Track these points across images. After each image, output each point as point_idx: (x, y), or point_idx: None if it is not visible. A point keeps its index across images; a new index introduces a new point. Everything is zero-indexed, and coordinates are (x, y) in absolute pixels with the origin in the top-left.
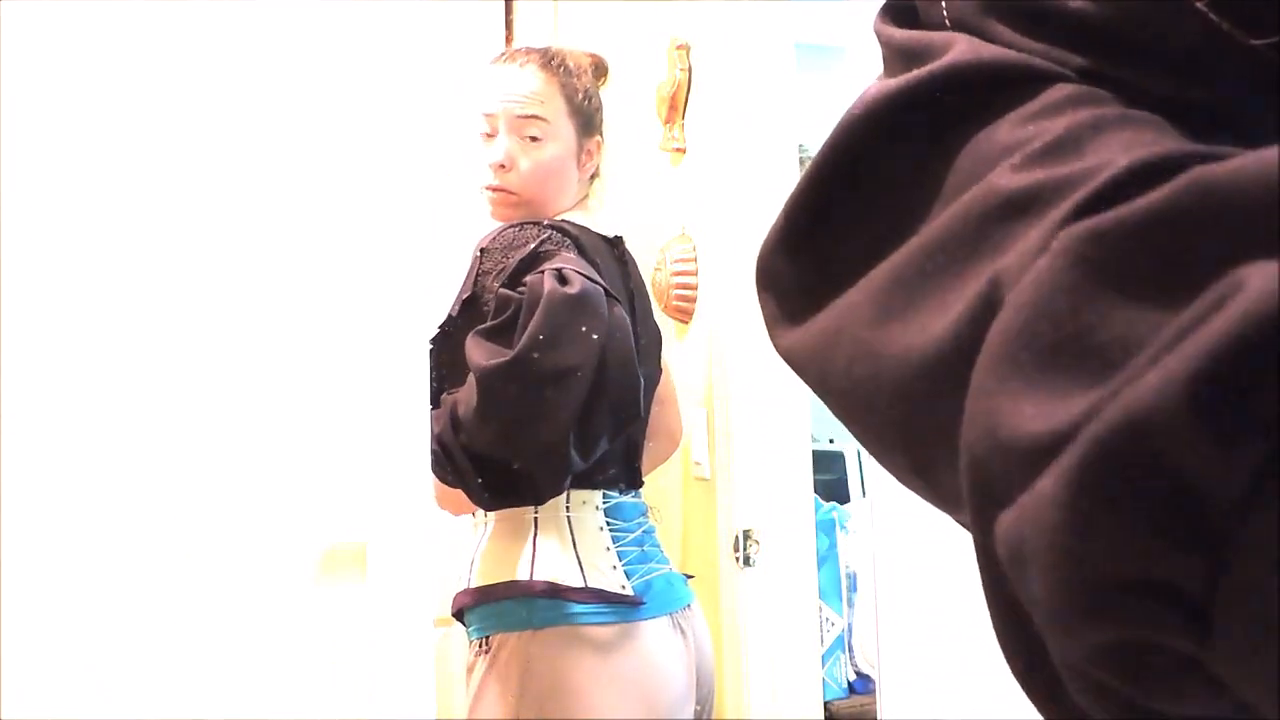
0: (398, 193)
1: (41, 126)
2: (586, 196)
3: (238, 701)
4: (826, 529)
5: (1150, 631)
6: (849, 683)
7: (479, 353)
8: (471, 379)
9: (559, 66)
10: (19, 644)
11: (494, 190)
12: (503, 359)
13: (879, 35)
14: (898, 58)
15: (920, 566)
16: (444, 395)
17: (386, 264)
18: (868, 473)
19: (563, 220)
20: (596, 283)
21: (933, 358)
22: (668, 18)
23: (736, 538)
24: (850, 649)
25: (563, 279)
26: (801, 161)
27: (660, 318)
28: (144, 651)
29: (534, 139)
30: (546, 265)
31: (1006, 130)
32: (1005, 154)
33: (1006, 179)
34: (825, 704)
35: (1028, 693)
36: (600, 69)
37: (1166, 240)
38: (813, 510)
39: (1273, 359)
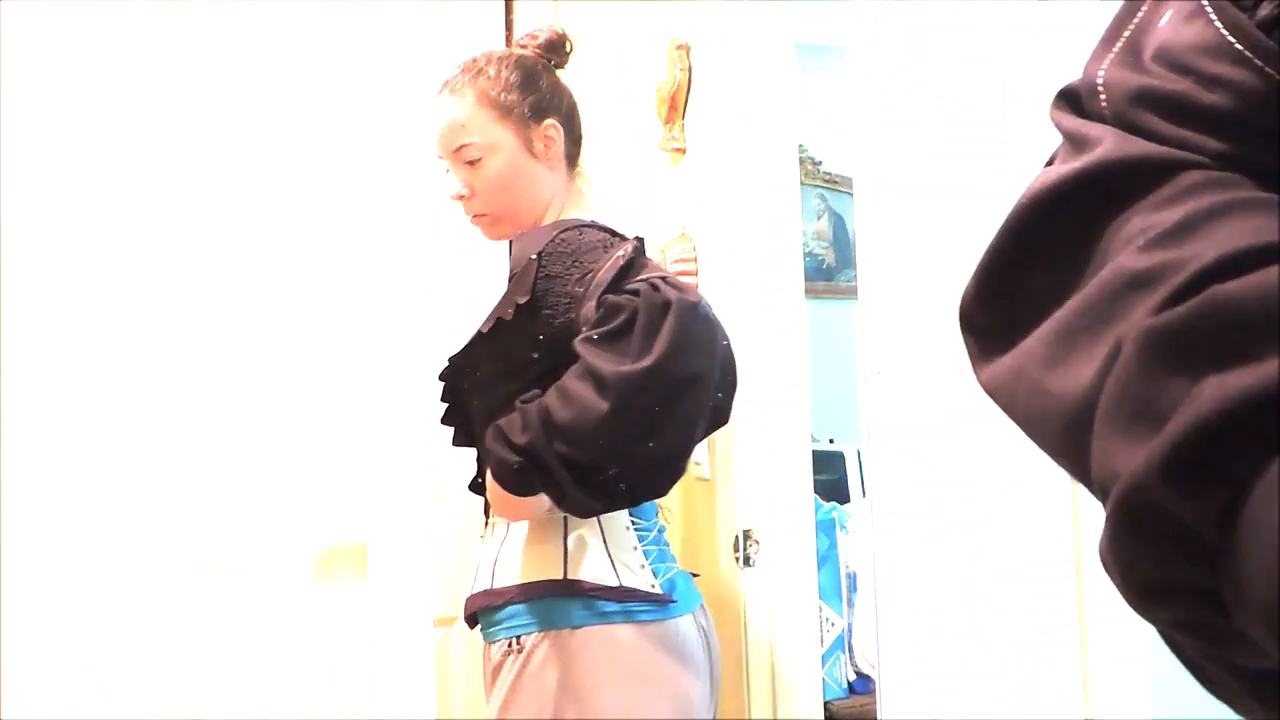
0: (397, 195)
1: (40, 127)
2: (581, 190)
3: (238, 701)
4: (826, 529)
5: (1190, 614)
6: (849, 683)
7: (600, 359)
8: (574, 386)
9: (474, 78)
10: (19, 644)
11: (473, 219)
12: (640, 366)
13: (1053, 120)
14: (1066, 144)
15: (920, 566)
16: (521, 403)
17: (387, 266)
18: (868, 473)
19: (594, 221)
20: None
21: (1080, 400)
22: (668, 18)
23: (736, 538)
24: (850, 649)
25: (678, 287)
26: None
27: None
28: (144, 651)
29: (471, 163)
30: (649, 273)
31: (1141, 216)
32: (1137, 236)
33: (1133, 260)
34: (825, 704)
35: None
36: (554, 46)
37: (1183, 346)
38: (813, 510)
39: (1215, 445)
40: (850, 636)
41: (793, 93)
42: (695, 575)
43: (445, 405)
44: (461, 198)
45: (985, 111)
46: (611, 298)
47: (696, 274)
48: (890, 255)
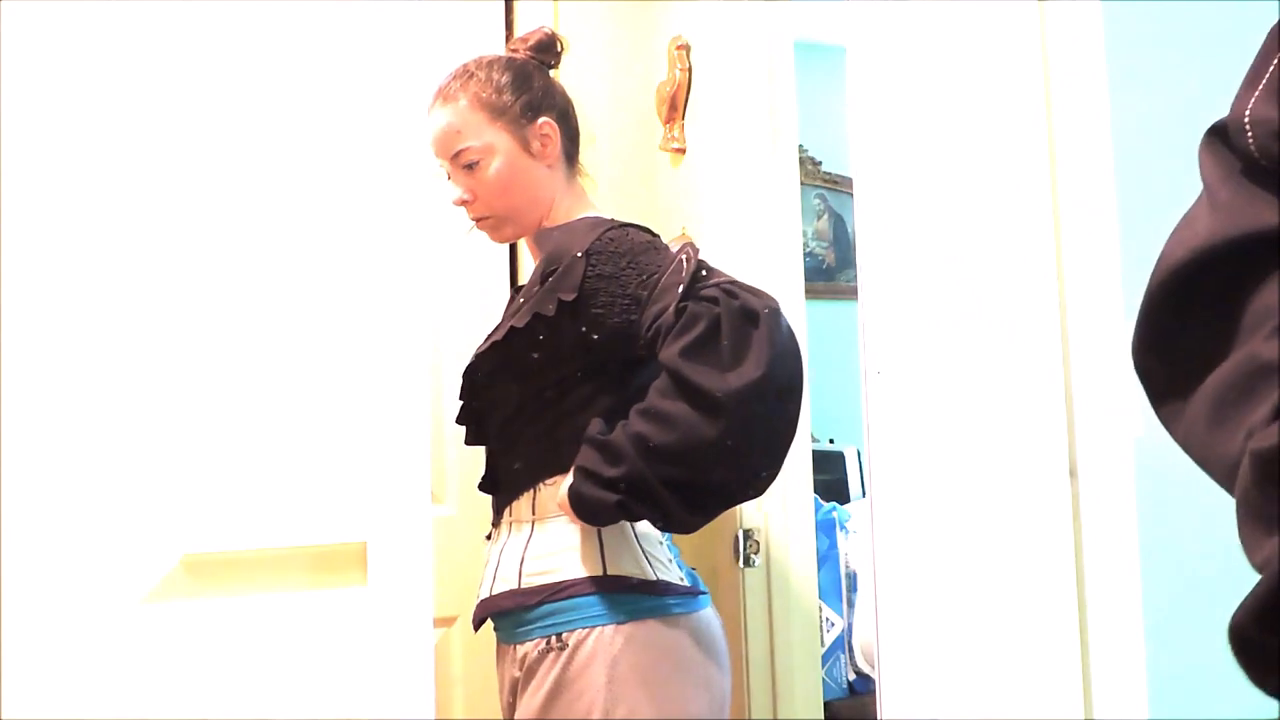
0: (396, 193)
1: (38, 127)
2: (584, 188)
3: (237, 701)
4: (826, 529)
5: None
6: (849, 683)
7: (697, 373)
8: (672, 407)
9: (466, 82)
10: (19, 644)
11: (477, 223)
12: (746, 381)
13: (1201, 159)
14: (1207, 196)
15: (920, 566)
16: (598, 435)
17: (387, 266)
18: (868, 473)
19: (615, 220)
20: None
21: (1233, 467)
22: (668, 18)
23: (736, 538)
24: (850, 649)
25: (755, 293)
26: (802, 162)
27: None
28: (144, 651)
29: (470, 167)
30: (718, 278)
31: (1272, 291)
32: (1267, 318)
33: (1262, 346)
34: (825, 704)
35: None
36: (544, 47)
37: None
38: (813, 510)
39: None
40: (850, 636)
41: (793, 93)
42: (693, 570)
43: (461, 403)
44: (464, 203)
45: (985, 111)
46: (692, 305)
47: None
48: (890, 255)
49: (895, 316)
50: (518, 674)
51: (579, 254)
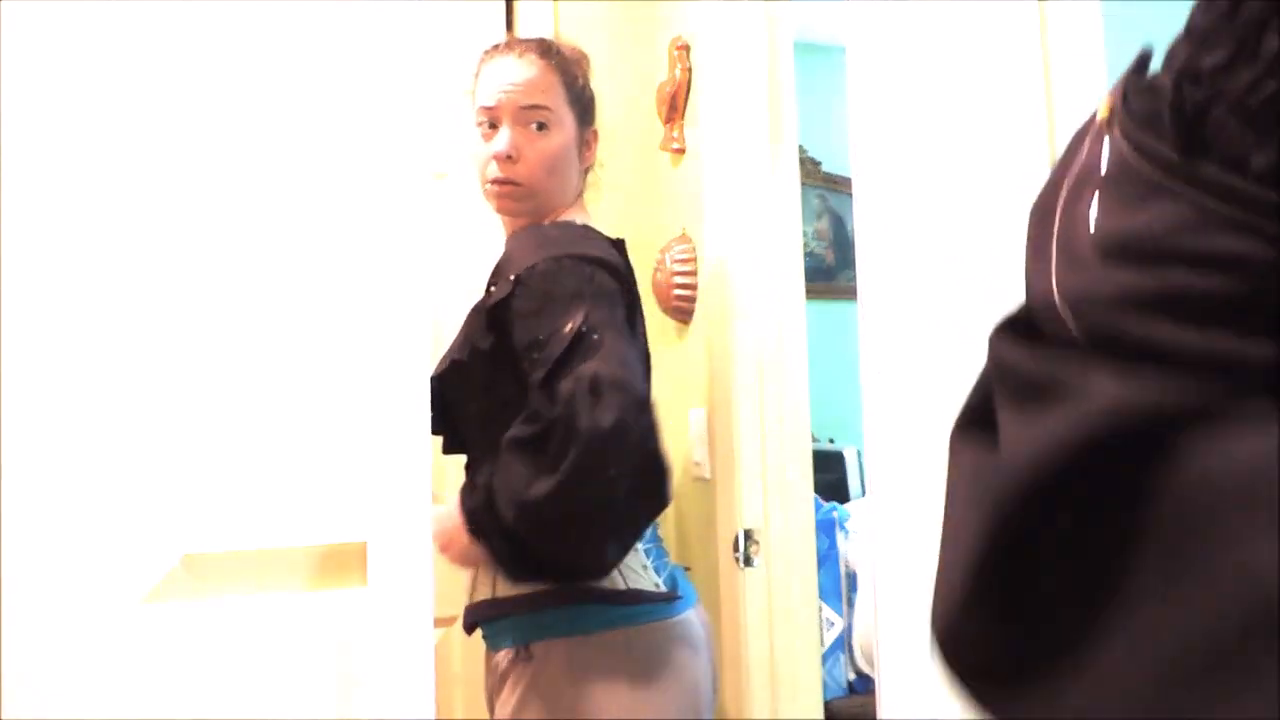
0: (396, 192)
1: (37, 127)
2: (582, 194)
3: (237, 701)
4: (826, 529)
5: None
6: (849, 683)
7: (513, 469)
8: (499, 480)
9: (557, 55)
10: (19, 644)
11: (499, 184)
12: (544, 493)
13: (999, 360)
14: (1018, 391)
15: (920, 566)
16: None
17: (387, 265)
18: (868, 473)
19: (588, 240)
20: (634, 376)
21: None
22: (668, 18)
23: (736, 538)
24: (850, 649)
25: (612, 385)
26: (802, 162)
27: (660, 318)
28: (144, 651)
29: (540, 127)
30: (588, 368)
31: (1199, 472)
32: (1250, 519)
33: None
34: (825, 704)
35: None
36: (586, 62)
37: None
38: (813, 510)
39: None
40: (850, 636)
41: (793, 93)
42: (687, 569)
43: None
44: (508, 158)
45: (985, 111)
46: (536, 399)
47: (696, 274)
48: (890, 255)
49: (895, 316)
50: (494, 681)
51: (513, 277)
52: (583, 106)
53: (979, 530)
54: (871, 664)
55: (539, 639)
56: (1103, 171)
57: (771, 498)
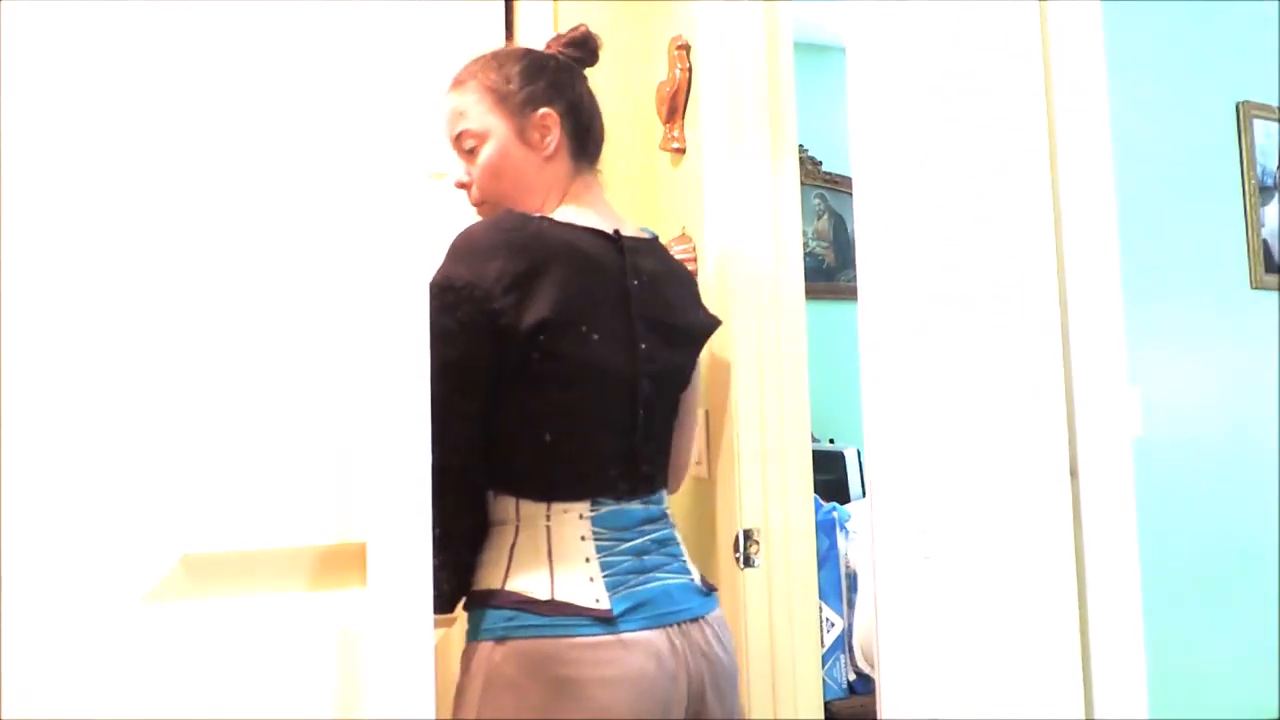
0: (395, 192)
1: (37, 127)
2: (588, 184)
3: (237, 701)
4: (826, 529)
5: None
6: (849, 683)
7: None
8: None
9: (478, 67)
10: (19, 644)
11: (475, 207)
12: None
13: None
14: None
15: (920, 566)
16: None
17: (387, 265)
18: (868, 473)
19: (463, 252)
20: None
21: None
22: (668, 18)
23: (736, 538)
24: (850, 649)
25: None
26: (802, 162)
27: None
28: (144, 651)
29: (470, 151)
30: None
31: None
32: None
33: None
34: (825, 704)
35: None
36: (577, 43)
37: None
38: (813, 510)
39: None
40: (850, 636)
41: (792, 93)
42: (713, 589)
43: None
44: (462, 185)
45: (986, 111)
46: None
47: (696, 274)
48: (890, 255)
49: (895, 316)
50: None
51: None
52: (515, 100)
53: None
54: (871, 664)
55: (470, 640)
56: None
57: (771, 498)
